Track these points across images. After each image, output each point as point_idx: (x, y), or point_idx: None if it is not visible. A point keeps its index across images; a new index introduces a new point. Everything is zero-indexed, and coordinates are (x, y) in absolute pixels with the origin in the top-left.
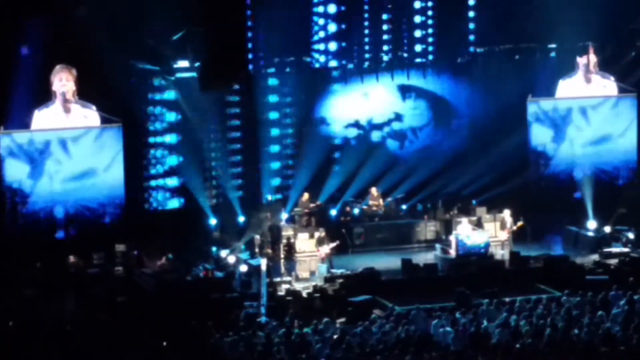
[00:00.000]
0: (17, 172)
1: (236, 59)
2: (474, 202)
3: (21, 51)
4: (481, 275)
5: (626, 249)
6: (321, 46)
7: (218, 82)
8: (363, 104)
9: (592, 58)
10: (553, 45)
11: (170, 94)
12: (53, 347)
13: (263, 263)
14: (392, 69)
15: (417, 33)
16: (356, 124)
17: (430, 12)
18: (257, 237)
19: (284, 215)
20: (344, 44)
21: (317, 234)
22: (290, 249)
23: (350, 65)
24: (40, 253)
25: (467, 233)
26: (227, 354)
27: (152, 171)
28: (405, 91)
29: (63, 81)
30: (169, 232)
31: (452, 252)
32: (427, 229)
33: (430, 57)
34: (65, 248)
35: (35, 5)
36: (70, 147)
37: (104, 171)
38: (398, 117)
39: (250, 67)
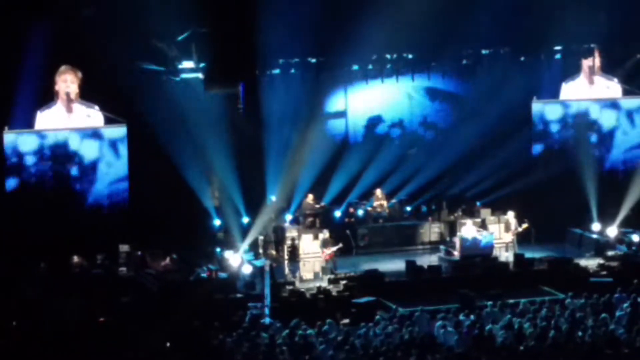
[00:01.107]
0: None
1: (241, 60)
2: (478, 203)
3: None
4: (485, 277)
5: (630, 252)
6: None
7: (223, 83)
8: (368, 105)
9: (597, 60)
10: (558, 47)
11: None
12: (56, 347)
13: (266, 264)
14: (397, 70)
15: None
16: (360, 126)
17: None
18: (261, 238)
19: (288, 217)
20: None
21: (321, 235)
22: (294, 250)
23: (356, 67)
24: (44, 253)
25: (472, 235)
26: (231, 355)
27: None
28: (409, 93)
29: (67, 82)
30: (173, 233)
31: (456, 254)
32: (432, 230)
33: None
34: (69, 248)
35: (40, 6)
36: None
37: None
38: (403, 119)
39: (256, 68)
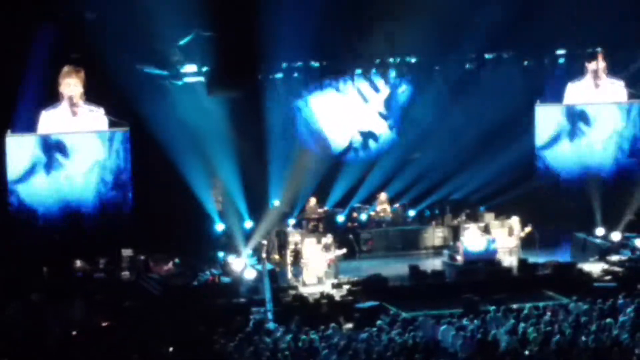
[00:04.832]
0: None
1: (245, 64)
2: (481, 208)
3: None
4: (489, 281)
5: (634, 256)
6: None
7: (226, 86)
8: (371, 108)
9: (601, 63)
10: (562, 51)
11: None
12: (59, 352)
13: (264, 267)
14: (401, 74)
15: None
16: (364, 129)
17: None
18: (264, 242)
19: (291, 221)
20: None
21: (324, 240)
22: (297, 254)
23: (359, 71)
24: (46, 257)
25: (474, 239)
26: None
27: None
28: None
29: (71, 85)
30: (176, 237)
31: (460, 259)
32: (435, 235)
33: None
34: (72, 252)
35: (44, 8)
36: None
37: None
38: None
39: (259, 71)
